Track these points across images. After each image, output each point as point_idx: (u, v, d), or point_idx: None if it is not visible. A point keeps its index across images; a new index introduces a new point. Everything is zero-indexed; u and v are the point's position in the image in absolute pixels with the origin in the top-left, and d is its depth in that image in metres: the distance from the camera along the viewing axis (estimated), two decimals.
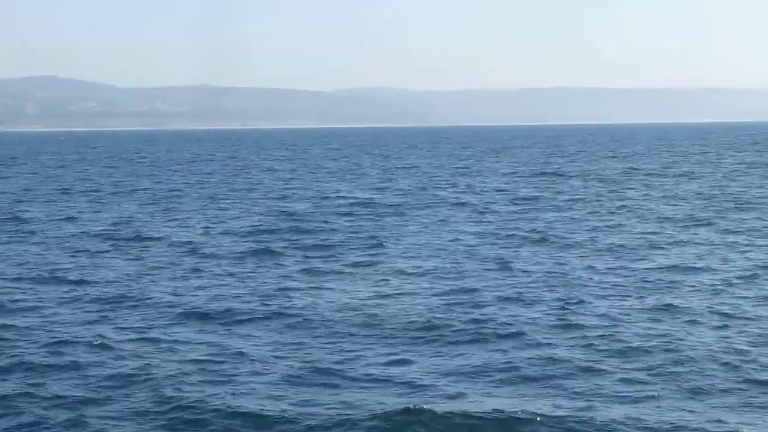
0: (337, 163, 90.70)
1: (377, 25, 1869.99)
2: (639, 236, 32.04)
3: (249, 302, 21.50)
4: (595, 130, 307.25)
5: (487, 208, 42.64)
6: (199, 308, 20.93)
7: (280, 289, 23.12)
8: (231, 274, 25.41)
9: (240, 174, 74.09)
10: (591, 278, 24.17)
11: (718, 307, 20.45)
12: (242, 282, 24.31)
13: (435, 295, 22.20)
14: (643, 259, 27.24)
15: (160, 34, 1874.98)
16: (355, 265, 26.80)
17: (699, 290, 22.38)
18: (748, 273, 24.49)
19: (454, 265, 26.46)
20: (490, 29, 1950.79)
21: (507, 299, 21.54)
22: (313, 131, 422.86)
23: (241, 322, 19.72)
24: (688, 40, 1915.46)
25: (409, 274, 25.29)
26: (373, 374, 15.75)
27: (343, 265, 26.81)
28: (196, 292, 22.91)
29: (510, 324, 18.86)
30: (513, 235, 32.83)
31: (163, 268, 26.68)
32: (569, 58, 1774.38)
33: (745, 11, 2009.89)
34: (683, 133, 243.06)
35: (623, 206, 42.31)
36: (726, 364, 15.99)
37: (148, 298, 22.13)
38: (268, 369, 16.07)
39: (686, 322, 19.12)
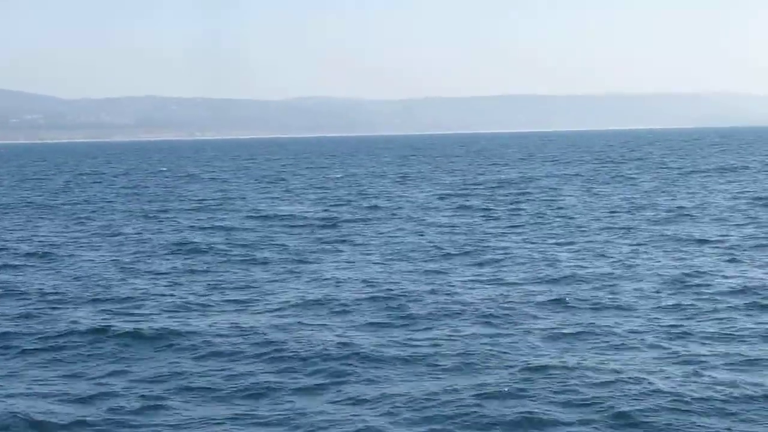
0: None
1: (324, 34, 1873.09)
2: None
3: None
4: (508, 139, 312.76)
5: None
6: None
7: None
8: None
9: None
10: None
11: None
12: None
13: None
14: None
15: (105, 44, 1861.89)
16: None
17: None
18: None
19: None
20: (436, 37, 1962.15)
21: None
22: (259, 141, 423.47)
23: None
24: (634, 46, 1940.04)
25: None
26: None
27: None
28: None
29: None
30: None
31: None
32: (513, 65, 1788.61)
33: (695, 15, 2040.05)
34: (612, 138, 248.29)
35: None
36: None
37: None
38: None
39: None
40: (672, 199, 52.46)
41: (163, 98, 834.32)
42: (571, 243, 35.19)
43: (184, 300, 25.50)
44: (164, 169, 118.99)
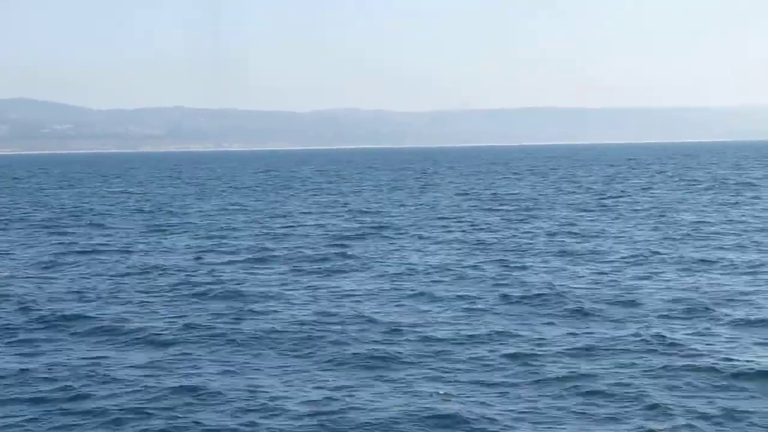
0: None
1: (352, 46, 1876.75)
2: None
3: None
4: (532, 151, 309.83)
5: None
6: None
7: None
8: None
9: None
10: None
11: None
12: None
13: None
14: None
15: (138, 56, 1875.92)
16: None
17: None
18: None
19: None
20: (464, 49, 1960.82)
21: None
22: (288, 153, 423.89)
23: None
24: (670, 59, 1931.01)
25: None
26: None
27: None
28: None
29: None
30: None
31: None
32: (543, 77, 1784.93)
33: (729, 30, 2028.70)
34: (646, 152, 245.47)
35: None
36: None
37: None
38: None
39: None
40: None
41: (192, 109, 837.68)
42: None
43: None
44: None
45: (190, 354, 19.26)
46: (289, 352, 19.30)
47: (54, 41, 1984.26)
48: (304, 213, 56.09)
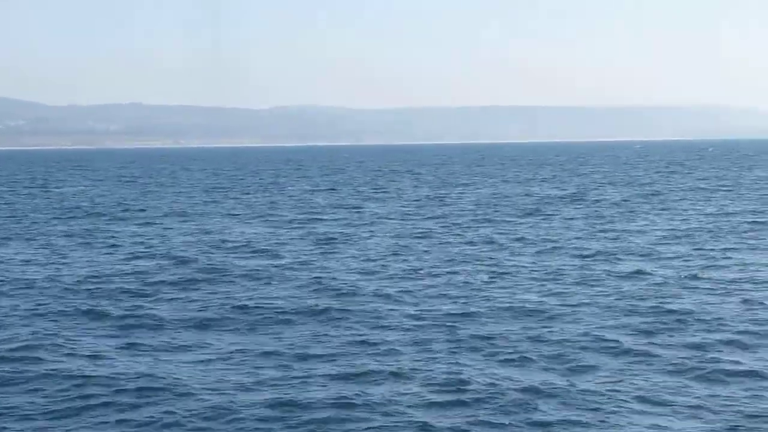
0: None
1: (313, 42, 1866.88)
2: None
3: None
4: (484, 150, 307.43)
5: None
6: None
7: None
8: None
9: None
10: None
11: None
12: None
13: None
14: None
15: (92, 51, 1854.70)
16: None
17: None
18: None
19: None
20: (425, 47, 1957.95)
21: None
22: (246, 150, 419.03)
23: None
24: (633, 58, 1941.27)
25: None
26: None
27: None
28: None
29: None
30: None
31: None
32: (506, 76, 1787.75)
33: (692, 28, 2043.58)
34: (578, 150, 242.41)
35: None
36: None
37: None
38: None
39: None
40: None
41: (151, 106, 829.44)
42: None
43: None
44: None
45: None
46: None
47: (5, 36, 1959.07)
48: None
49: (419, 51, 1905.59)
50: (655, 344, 19.07)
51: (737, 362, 17.61)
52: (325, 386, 15.96)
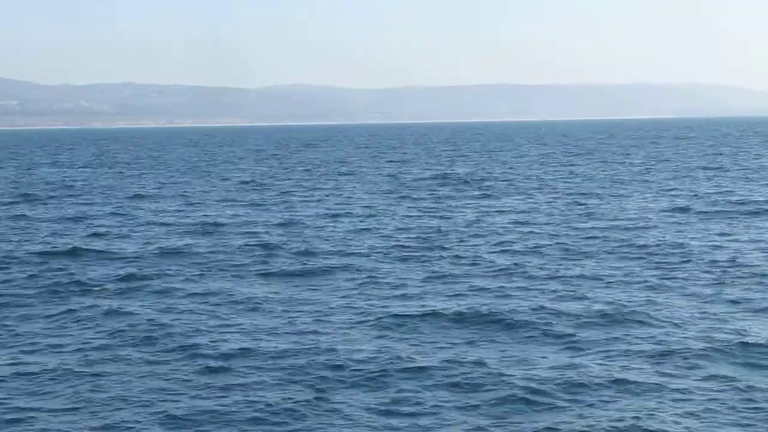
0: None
1: (303, 22, 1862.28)
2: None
3: None
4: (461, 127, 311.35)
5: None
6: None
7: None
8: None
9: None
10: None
11: None
12: None
13: None
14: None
15: (85, 32, 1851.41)
16: None
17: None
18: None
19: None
20: (415, 26, 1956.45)
21: None
22: (236, 129, 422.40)
23: None
24: (611, 37, 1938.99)
25: None
26: None
27: None
28: None
29: None
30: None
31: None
32: (495, 55, 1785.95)
33: (670, 7, 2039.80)
34: (584, 129, 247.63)
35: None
36: None
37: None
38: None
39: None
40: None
41: (143, 85, 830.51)
42: None
43: None
44: None
45: None
46: None
47: None
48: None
49: (410, 31, 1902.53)
50: None
51: None
52: None
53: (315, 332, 18.55)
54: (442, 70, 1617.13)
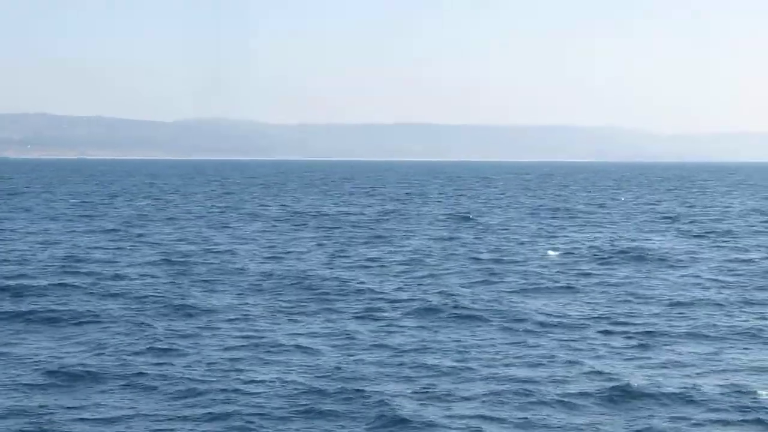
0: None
1: (222, 54, 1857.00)
2: None
3: None
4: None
5: None
6: None
7: None
8: None
9: None
10: None
11: None
12: None
13: None
14: None
15: None
16: None
17: None
18: None
19: None
20: (333, 63, 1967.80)
21: None
22: (151, 162, 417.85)
23: None
24: (535, 77, 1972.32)
25: None
26: None
27: None
28: None
29: None
30: None
31: None
32: (413, 94, 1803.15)
33: (593, 49, 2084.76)
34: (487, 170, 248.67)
35: None
36: None
37: None
38: None
39: None
40: None
41: (56, 116, 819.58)
42: None
43: None
44: None
45: None
46: None
47: None
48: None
49: (328, 67, 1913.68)
50: None
51: None
52: None
53: None
54: (360, 107, 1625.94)
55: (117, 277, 33.39)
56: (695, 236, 50.08)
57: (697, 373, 19.43)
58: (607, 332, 23.57)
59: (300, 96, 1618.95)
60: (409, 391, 17.94)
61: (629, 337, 22.93)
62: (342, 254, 41.21)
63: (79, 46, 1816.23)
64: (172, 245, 44.94)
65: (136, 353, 21.33)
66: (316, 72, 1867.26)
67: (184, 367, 20.04)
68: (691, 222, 60.41)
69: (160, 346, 21.83)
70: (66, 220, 60.37)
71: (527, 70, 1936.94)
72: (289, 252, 42.22)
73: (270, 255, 40.99)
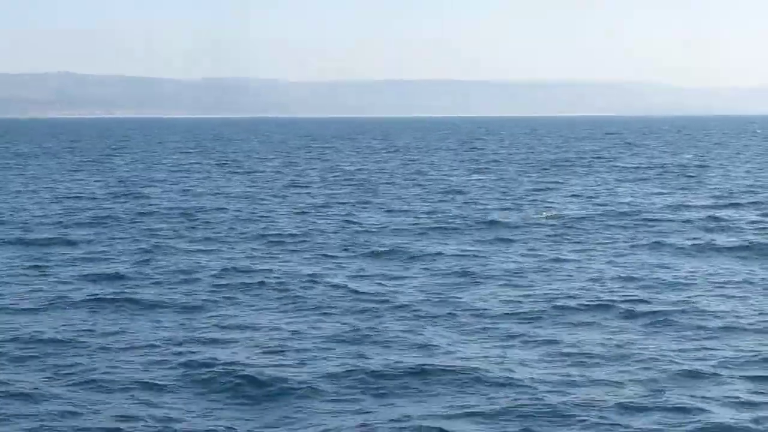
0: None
1: (241, 13, 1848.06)
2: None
3: None
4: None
5: None
6: None
7: None
8: None
9: None
10: None
11: None
12: None
13: None
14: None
15: (20, 21, 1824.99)
16: None
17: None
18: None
19: None
20: (355, 21, 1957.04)
21: None
22: (168, 121, 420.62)
23: None
24: (549, 35, 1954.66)
25: None
26: None
27: None
28: None
29: None
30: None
31: None
32: (434, 51, 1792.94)
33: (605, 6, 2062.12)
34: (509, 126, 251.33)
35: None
36: None
37: None
38: None
39: None
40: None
41: (81, 75, 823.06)
42: None
43: None
44: None
45: None
46: None
47: None
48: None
49: (346, 25, 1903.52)
50: None
51: None
52: None
53: None
54: (384, 64, 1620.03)
55: None
56: None
57: None
58: None
59: (321, 54, 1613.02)
60: None
61: None
62: None
63: (105, 5, 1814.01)
64: None
65: None
66: (334, 30, 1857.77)
67: None
68: None
69: None
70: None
71: (545, 25, 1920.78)
72: None
73: None
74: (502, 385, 14.56)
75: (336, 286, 22.05)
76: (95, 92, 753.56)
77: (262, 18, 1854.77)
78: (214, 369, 15.29)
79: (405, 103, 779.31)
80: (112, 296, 21.03)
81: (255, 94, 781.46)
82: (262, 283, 22.40)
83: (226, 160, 78.94)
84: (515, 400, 13.86)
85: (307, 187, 50.78)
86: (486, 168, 67.41)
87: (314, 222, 34.31)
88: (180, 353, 16.43)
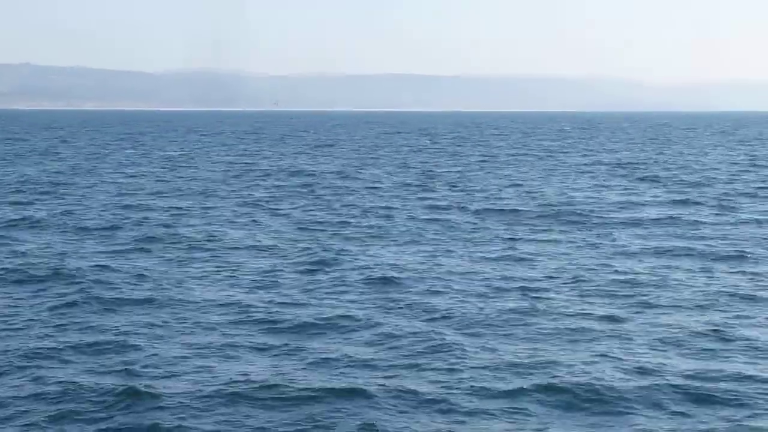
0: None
1: (211, 5, 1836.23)
2: None
3: None
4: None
5: None
6: None
7: None
8: None
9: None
10: None
11: None
12: None
13: None
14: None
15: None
16: None
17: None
18: None
19: None
20: (319, 14, 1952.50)
21: None
22: (136, 114, 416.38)
23: None
24: (524, 29, 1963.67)
25: None
26: None
27: None
28: None
29: None
30: None
31: None
32: (401, 45, 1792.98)
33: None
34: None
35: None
36: None
37: None
38: None
39: None
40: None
41: (43, 66, 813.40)
42: None
43: None
44: None
45: None
46: None
47: None
48: None
49: (313, 16, 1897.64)
50: None
51: None
52: None
53: None
54: (349, 59, 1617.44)
55: None
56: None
57: None
58: None
59: (289, 47, 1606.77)
60: None
61: None
62: None
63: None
64: None
65: None
66: (303, 23, 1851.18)
67: None
68: None
69: None
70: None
71: (516, 22, 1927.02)
72: None
73: None
74: None
75: None
76: (56, 84, 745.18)
77: (228, 10, 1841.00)
78: None
79: (365, 98, 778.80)
80: None
81: (219, 88, 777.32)
82: None
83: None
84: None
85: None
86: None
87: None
88: None
